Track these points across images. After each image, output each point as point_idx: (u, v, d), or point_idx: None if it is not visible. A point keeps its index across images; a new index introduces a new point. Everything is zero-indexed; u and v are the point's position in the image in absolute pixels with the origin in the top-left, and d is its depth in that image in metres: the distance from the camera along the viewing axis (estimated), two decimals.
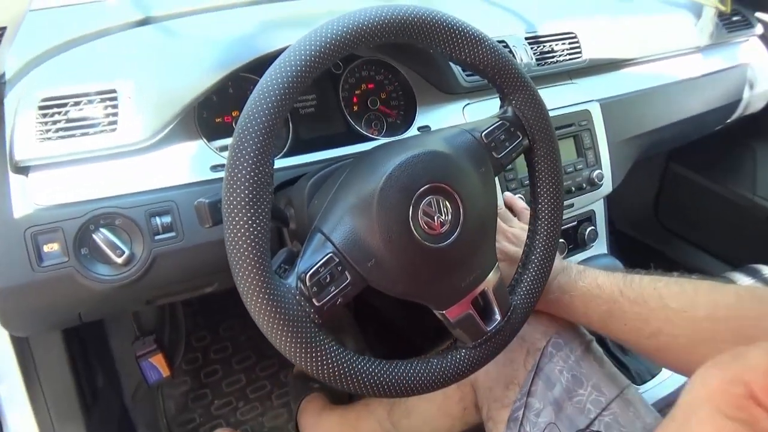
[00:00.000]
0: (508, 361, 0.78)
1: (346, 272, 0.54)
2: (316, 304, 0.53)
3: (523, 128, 0.66)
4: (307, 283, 0.53)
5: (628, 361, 0.97)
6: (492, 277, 0.62)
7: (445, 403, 0.89)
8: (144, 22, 0.80)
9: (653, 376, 0.99)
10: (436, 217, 0.57)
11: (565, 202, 1.03)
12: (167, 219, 0.69)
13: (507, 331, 0.64)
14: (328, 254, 0.54)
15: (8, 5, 0.51)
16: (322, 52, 0.52)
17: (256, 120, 0.50)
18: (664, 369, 1.00)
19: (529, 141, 0.67)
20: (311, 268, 0.53)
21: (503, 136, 0.65)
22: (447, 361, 0.61)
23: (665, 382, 0.98)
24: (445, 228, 0.57)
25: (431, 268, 0.58)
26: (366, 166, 0.60)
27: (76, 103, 0.66)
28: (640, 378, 0.98)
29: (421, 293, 0.59)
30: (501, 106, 0.67)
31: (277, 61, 0.52)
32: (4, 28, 0.52)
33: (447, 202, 0.57)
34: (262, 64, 0.52)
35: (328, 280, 0.53)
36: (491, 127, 0.65)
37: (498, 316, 0.63)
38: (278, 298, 0.51)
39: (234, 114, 0.81)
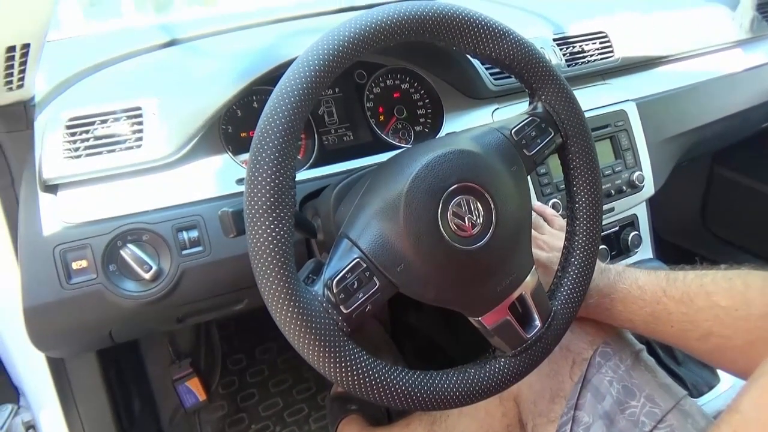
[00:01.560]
0: (553, 372, 0.74)
1: (375, 278, 0.52)
2: (344, 311, 0.51)
3: (554, 124, 0.63)
4: (334, 290, 0.50)
5: (682, 372, 0.91)
6: (530, 281, 0.59)
7: (488, 420, 0.85)
8: (167, 44, 0.82)
9: (711, 388, 0.92)
10: (466, 218, 0.54)
11: (605, 206, 0.99)
12: (194, 233, 0.68)
13: (548, 339, 0.61)
14: (354, 259, 0.52)
15: (29, 22, 0.52)
16: (339, 51, 0.50)
17: (275, 123, 0.48)
18: (723, 380, 0.93)
19: (561, 137, 0.63)
20: (338, 274, 0.51)
21: (534, 133, 0.62)
22: (485, 371, 0.57)
23: (725, 393, 0.91)
24: (476, 229, 0.54)
25: (464, 271, 0.55)
26: (391, 169, 0.58)
27: (103, 121, 0.67)
28: (696, 390, 0.91)
29: (454, 299, 0.56)
30: (530, 102, 0.64)
31: (294, 63, 0.50)
32: (28, 45, 0.53)
33: (478, 203, 0.55)
34: (281, 76, 0.50)
35: (355, 286, 0.51)
36: (521, 124, 0.62)
37: (538, 323, 0.60)
38: (304, 306, 0.49)
39: None
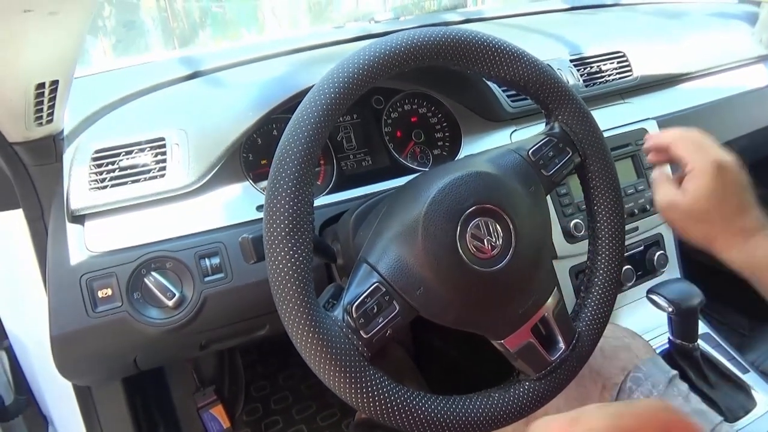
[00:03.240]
0: (582, 397, 0.72)
1: (394, 302, 0.52)
2: (364, 336, 0.50)
3: (572, 143, 0.62)
4: (354, 315, 0.50)
5: (717, 396, 0.87)
6: (551, 302, 0.58)
7: None
8: (189, 77, 0.84)
9: (747, 412, 0.88)
10: (485, 240, 0.53)
11: (629, 226, 0.98)
12: (216, 260, 0.69)
13: (573, 361, 0.59)
14: (374, 284, 0.52)
15: (57, 60, 0.54)
16: (354, 79, 0.51)
17: (291, 151, 0.49)
18: (759, 404, 0.89)
19: (580, 157, 0.63)
20: (357, 299, 0.51)
21: (551, 153, 0.62)
22: (509, 395, 0.56)
23: (763, 417, 0.87)
24: (496, 251, 0.54)
25: (484, 294, 0.54)
26: (409, 193, 0.58)
27: (128, 153, 0.69)
28: (732, 414, 0.87)
29: (475, 322, 0.56)
30: (547, 123, 0.64)
31: (310, 92, 0.51)
32: (56, 82, 0.56)
33: (497, 224, 0.54)
34: (299, 104, 0.51)
35: (375, 310, 0.51)
36: (538, 144, 0.62)
37: (562, 345, 0.58)
38: (324, 331, 0.49)
39: None
